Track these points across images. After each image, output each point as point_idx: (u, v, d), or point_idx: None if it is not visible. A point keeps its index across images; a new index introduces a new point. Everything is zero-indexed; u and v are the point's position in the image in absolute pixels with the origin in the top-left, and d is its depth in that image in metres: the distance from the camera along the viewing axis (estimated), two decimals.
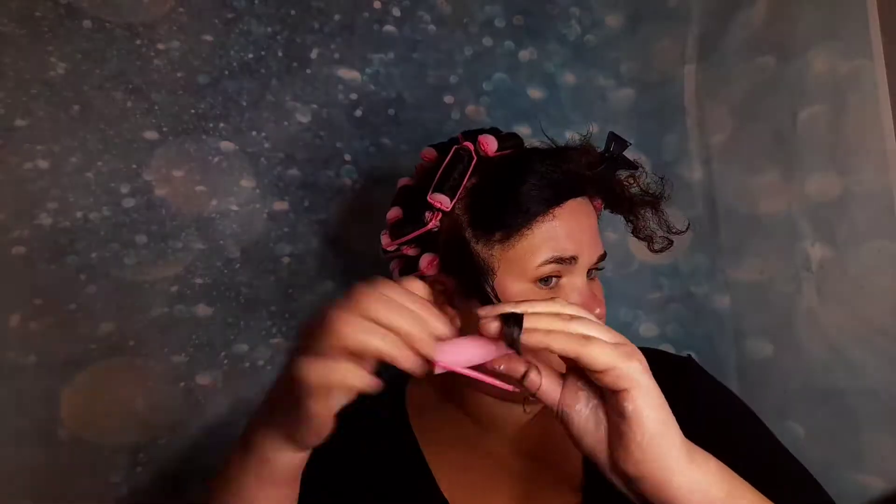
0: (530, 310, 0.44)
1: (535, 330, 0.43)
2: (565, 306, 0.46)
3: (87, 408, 0.79)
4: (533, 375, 0.46)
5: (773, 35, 0.93)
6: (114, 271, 0.82)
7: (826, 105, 0.86)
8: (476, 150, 0.63)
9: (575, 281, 0.61)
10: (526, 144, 0.68)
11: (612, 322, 1.08)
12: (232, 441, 0.52)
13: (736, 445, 0.58)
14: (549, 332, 0.43)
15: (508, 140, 0.65)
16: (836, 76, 0.84)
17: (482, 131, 0.66)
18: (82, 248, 0.80)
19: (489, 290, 0.59)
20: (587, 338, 0.43)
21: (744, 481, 0.48)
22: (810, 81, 0.87)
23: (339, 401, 0.43)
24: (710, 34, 1.03)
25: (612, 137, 0.63)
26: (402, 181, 0.69)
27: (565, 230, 0.60)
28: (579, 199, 0.62)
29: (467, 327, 0.62)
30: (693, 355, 1.08)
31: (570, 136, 0.66)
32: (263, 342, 0.89)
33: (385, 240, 0.66)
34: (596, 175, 0.61)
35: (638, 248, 1.11)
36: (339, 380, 0.42)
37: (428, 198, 0.61)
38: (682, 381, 0.65)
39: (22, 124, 0.79)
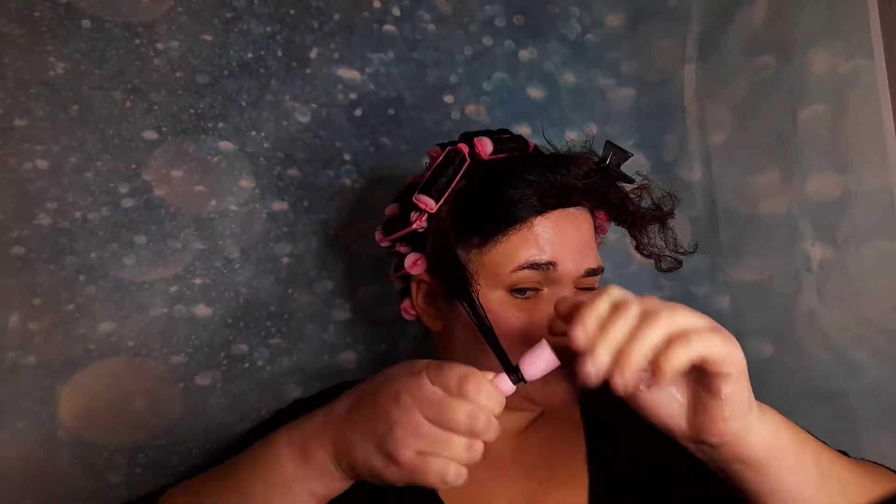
0: (623, 328, 0.42)
1: (664, 363, 0.41)
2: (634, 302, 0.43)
3: (87, 408, 0.79)
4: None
5: (773, 35, 0.92)
6: (113, 271, 0.82)
7: (826, 105, 0.86)
8: (471, 153, 0.62)
9: (558, 291, 0.59)
10: (545, 152, 0.66)
11: None
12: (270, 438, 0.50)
13: None
14: (668, 356, 0.41)
15: (507, 143, 0.64)
16: (837, 76, 0.84)
17: (488, 132, 0.65)
18: (81, 249, 0.80)
19: (473, 295, 0.57)
20: (698, 333, 0.41)
21: (796, 425, 0.49)
22: (810, 81, 0.87)
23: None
24: (710, 34, 1.03)
25: (610, 147, 0.60)
26: (411, 178, 0.69)
27: (545, 237, 0.58)
28: (571, 209, 0.60)
29: (450, 327, 0.63)
30: None
31: (570, 140, 0.65)
32: (263, 342, 0.88)
33: (378, 235, 0.67)
34: (588, 186, 0.59)
35: None
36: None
37: (413, 198, 0.61)
38: None
39: (21, 124, 0.79)
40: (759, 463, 0.46)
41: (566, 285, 0.60)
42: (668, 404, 0.46)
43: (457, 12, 1.04)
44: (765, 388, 0.96)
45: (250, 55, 0.91)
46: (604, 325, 0.42)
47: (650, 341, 0.41)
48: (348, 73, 0.96)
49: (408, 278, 0.66)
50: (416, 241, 0.64)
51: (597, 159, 0.60)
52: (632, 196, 0.61)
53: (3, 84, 0.78)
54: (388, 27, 0.99)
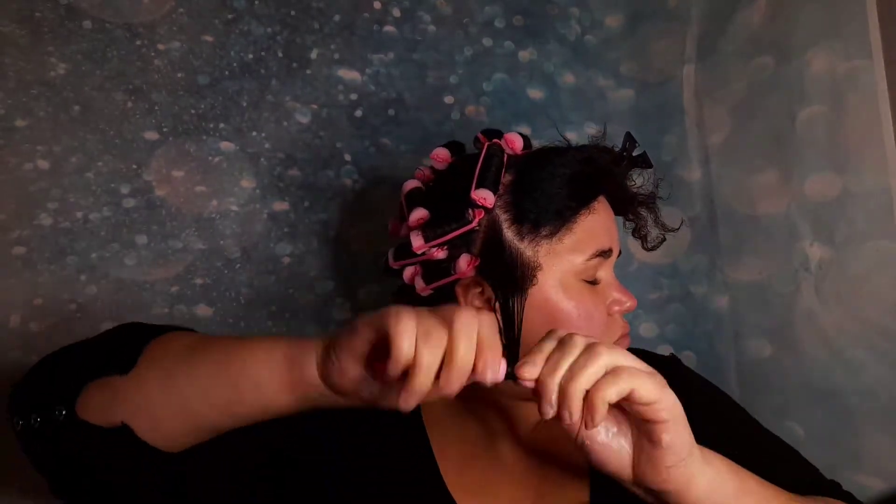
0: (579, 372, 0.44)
1: (595, 395, 0.43)
2: (598, 346, 0.46)
3: None
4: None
5: (772, 35, 0.93)
6: (114, 271, 0.82)
7: (825, 105, 0.86)
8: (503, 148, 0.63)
9: (609, 274, 0.63)
10: (569, 143, 0.68)
11: None
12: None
13: (728, 437, 0.60)
14: (598, 389, 0.43)
15: (525, 138, 0.65)
16: (836, 76, 0.84)
17: (494, 131, 0.65)
18: (82, 249, 0.81)
19: (522, 297, 0.58)
20: (630, 371, 0.44)
21: (746, 470, 0.50)
22: (809, 81, 0.87)
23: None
24: (710, 34, 1.03)
25: (628, 137, 0.64)
26: (411, 184, 0.66)
27: (601, 223, 0.61)
28: (602, 195, 0.63)
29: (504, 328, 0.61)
30: (692, 355, 1.09)
31: (592, 133, 0.67)
32: None
33: (418, 241, 0.60)
34: (618, 173, 0.63)
35: (637, 248, 1.10)
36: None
37: (472, 194, 0.58)
38: (670, 380, 0.66)
39: (22, 125, 0.79)
40: None
41: (611, 267, 0.63)
42: (619, 454, 0.47)
43: (457, 13, 1.04)
44: (763, 388, 0.97)
45: (251, 56, 0.91)
46: (550, 360, 0.45)
47: (588, 374, 0.43)
48: (349, 74, 0.96)
49: (448, 285, 0.61)
50: (458, 243, 0.61)
51: (618, 148, 0.64)
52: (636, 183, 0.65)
53: (4, 84, 0.78)
54: (389, 28, 0.99)
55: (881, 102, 0.80)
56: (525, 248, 0.59)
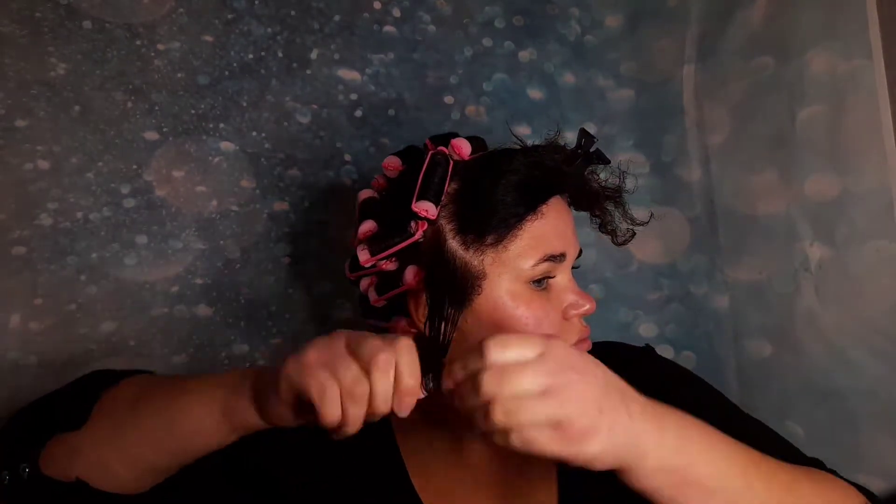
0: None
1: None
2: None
3: None
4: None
5: (772, 35, 0.93)
6: (114, 271, 0.82)
7: (825, 105, 0.86)
8: (450, 155, 0.62)
9: (564, 278, 0.61)
10: (523, 144, 0.67)
11: (611, 322, 1.09)
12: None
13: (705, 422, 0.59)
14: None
15: (476, 142, 0.64)
16: (836, 76, 0.84)
17: (449, 135, 0.65)
18: (82, 249, 0.81)
19: (463, 307, 0.58)
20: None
21: (704, 424, 0.50)
22: (809, 81, 0.88)
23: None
24: (710, 34, 1.03)
25: (583, 134, 0.63)
26: (365, 194, 0.66)
27: (552, 227, 0.60)
28: (557, 196, 0.62)
29: (467, 330, 0.60)
30: (692, 355, 1.09)
31: (552, 135, 0.66)
32: (263, 342, 0.89)
33: (364, 255, 0.61)
34: (571, 171, 0.61)
35: (637, 248, 1.11)
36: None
37: (413, 206, 0.58)
38: (643, 369, 0.64)
39: (22, 125, 0.79)
40: (659, 492, 0.46)
41: (567, 270, 0.62)
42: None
43: (457, 13, 1.04)
44: (763, 389, 0.97)
45: (251, 56, 0.91)
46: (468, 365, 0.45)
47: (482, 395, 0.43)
48: (349, 74, 0.96)
49: (400, 296, 0.61)
50: (406, 255, 0.60)
51: (570, 146, 0.63)
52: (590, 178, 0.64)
53: (4, 84, 0.78)
54: (389, 28, 0.99)
55: (881, 102, 0.80)
56: (470, 258, 0.58)
